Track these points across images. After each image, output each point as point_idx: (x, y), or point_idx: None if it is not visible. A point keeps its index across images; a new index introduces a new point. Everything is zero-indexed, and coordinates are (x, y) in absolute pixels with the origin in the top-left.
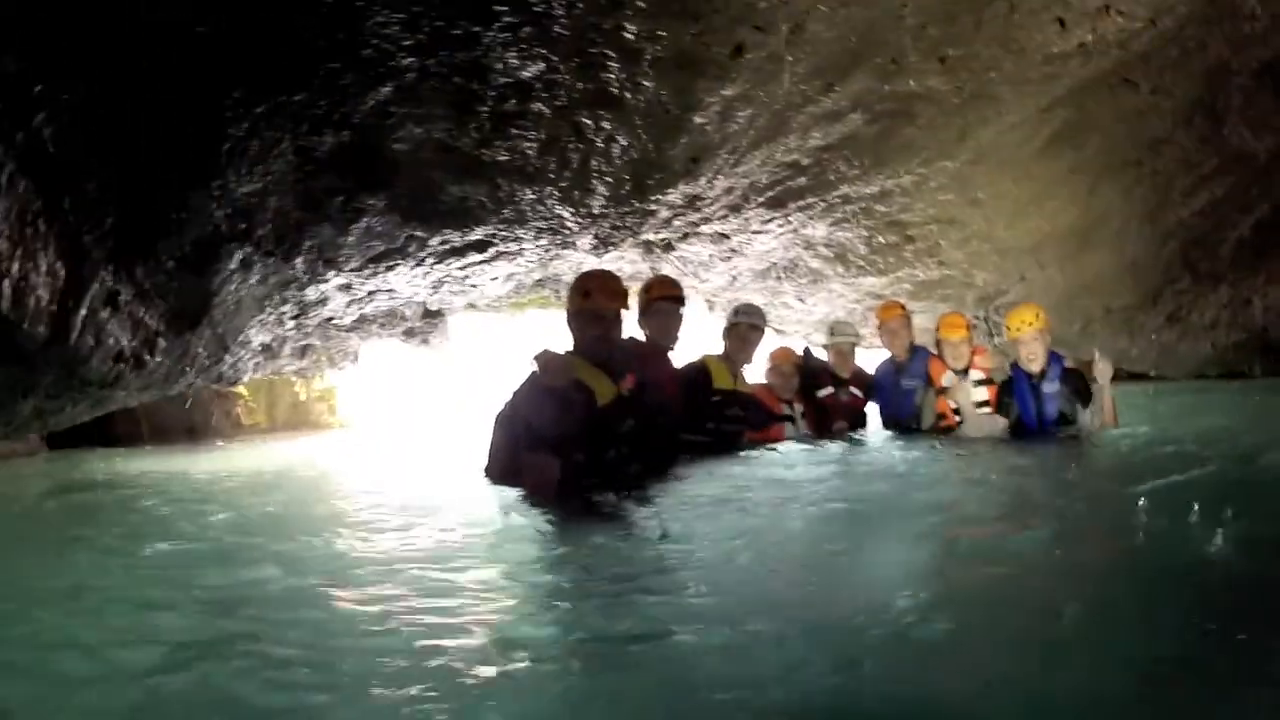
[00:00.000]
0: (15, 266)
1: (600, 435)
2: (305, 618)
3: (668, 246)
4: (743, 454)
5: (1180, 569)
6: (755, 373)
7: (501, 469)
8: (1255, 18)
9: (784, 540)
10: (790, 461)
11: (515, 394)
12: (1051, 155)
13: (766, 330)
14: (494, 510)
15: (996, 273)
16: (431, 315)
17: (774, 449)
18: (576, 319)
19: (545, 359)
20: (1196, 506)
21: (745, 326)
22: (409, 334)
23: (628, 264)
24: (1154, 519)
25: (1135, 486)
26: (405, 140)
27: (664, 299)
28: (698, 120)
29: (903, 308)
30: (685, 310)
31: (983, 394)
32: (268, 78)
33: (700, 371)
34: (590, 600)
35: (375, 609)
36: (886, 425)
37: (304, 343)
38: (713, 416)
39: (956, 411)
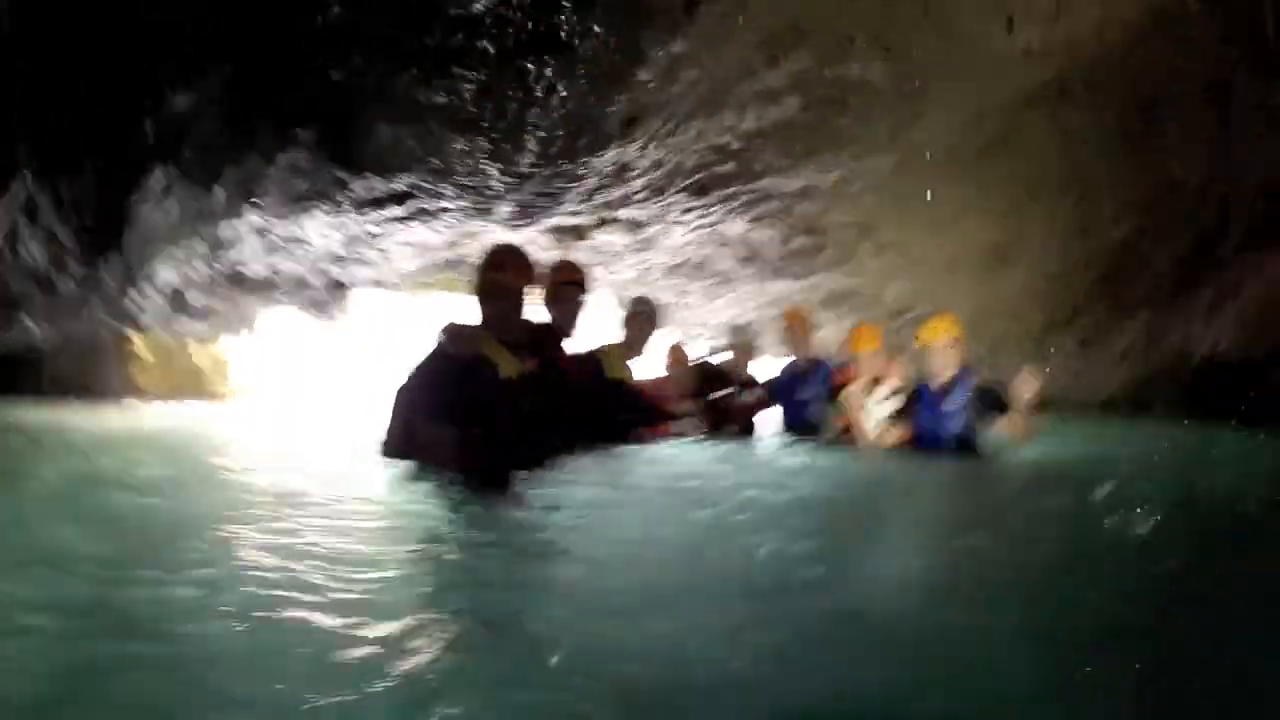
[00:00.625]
0: None
1: (502, 411)
2: (183, 597)
3: (580, 235)
4: (632, 447)
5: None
6: (655, 366)
7: (398, 443)
8: (1199, 43)
9: (679, 528)
10: (683, 459)
11: (417, 368)
12: (979, 167)
13: (661, 325)
14: (388, 484)
15: (909, 285)
16: (336, 287)
17: (666, 445)
18: (484, 292)
19: (453, 329)
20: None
21: (641, 317)
22: (312, 304)
23: (540, 249)
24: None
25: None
26: (344, 69)
27: (567, 284)
28: (641, 76)
29: (806, 314)
30: (586, 297)
31: (891, 407)
32: None
33: (593, 360)
34: (489, 581)
35: (262, 591)
36: (785, 430)
37: (206, 302)
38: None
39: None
